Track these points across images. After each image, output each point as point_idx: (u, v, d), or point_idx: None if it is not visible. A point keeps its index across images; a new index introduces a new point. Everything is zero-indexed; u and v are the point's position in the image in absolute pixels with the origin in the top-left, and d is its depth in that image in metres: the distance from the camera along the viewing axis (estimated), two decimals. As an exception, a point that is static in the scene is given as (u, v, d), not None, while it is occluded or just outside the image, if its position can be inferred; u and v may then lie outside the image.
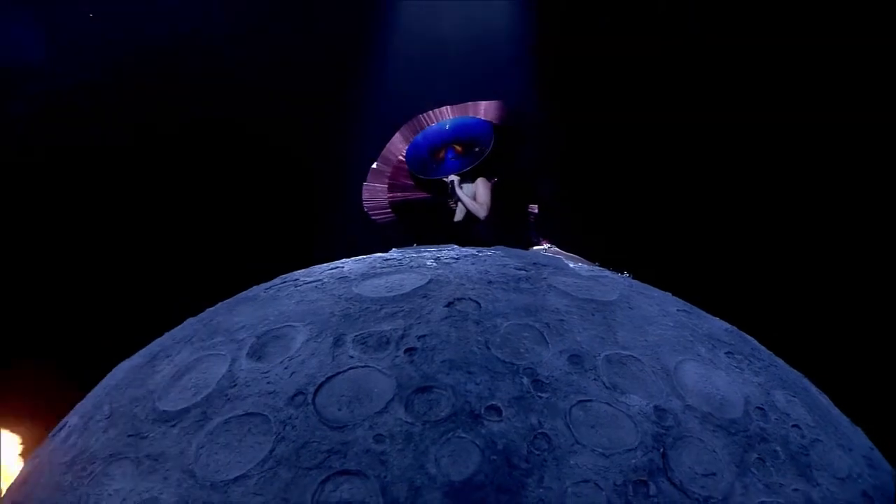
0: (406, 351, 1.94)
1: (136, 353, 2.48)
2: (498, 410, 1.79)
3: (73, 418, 2.33)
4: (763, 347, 2.59)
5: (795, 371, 2.59)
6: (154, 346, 2.44)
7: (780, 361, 2.57)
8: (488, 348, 1.95)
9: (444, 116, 3.63)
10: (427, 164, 3.68)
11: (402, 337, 1.98)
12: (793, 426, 2.10)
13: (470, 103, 3.62)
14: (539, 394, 1.84)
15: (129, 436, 1.97)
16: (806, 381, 2.57)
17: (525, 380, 1.87)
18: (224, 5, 6.82)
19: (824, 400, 2.52)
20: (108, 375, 2.48)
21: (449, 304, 2.10)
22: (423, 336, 1.98)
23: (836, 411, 2.50)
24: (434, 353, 1.93)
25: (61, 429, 2.33)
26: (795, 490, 1.90)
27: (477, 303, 2.12)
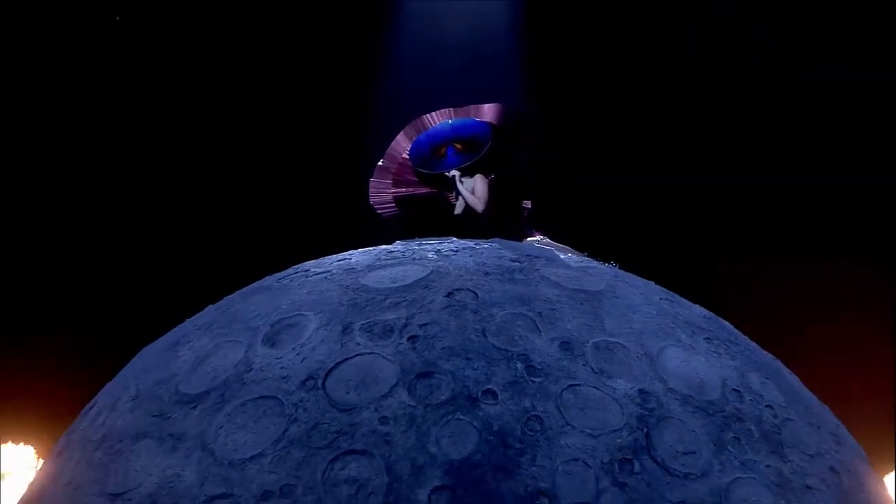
0: (409, 338, 1.92)
1: (160, 339, 2.46)
2: (494, 394, 1.78)
3: (102, 398, 2.32)
4: (739, 332, 2.57)
5: (769, 354, 2.57)
6: (176, 332, 2.42)
7: (755, 345, 2.55)
8: (485, 336, 1.94)
9: (446, 118, 3.62)
10: (429, 160, 3.66)
11: (406, 325, 1.97)
12: (766, 406, 2.09)
13: (472, 106, 3.61)
14: (532, 378, 1.83)
15: (154, 416, 1.96)
16: (778, 364, 2.55)
17: (519, 365, 1.86)
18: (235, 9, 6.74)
19: (795, 381, 2.50)
20: (134, 359, 2.46)
21: (448, 295, 2.08)
22: (425, 324, 1.96)
23: (805, 391, 2.48)
24: (435, 340, 1.91)
25: (92, 407, 2.32)
26: (768, 466, 1.90)
27: (474, 293, 2.10)
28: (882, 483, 2.38)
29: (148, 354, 2.37)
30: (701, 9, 6.48)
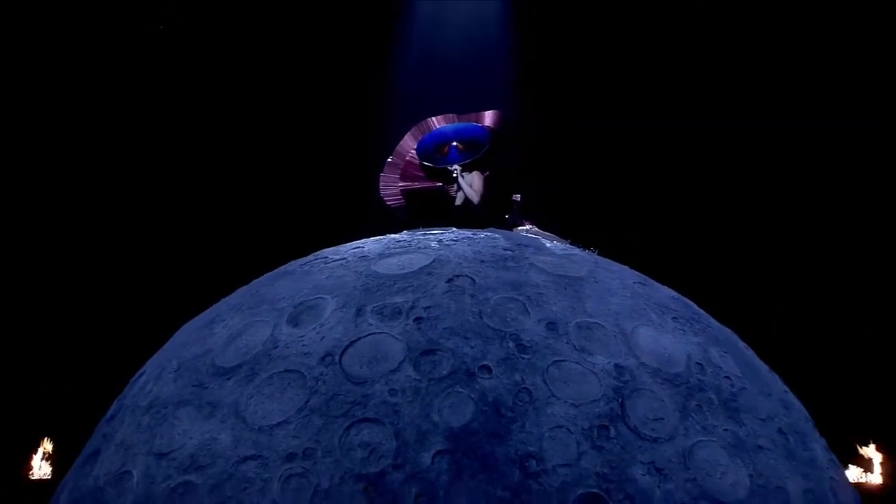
0: (415, 320, 1.90)
1: (197, 317, 2.44)
2: (489, 369, 1.77)
3: (149, 368, 2.31)
4: (702, 311, 2.54)
5: (727, 329, 2.54)
6: (211, 311, 2.40)
7: (715, 322, 2.52)
8: (481, 317, 1.91)
9: (449, 121, 3.58)
10: (432, 156, 3.62)
11: (412, 308, 1.94)
12: (724, 377, 2.07)
13: (473, 113, 3.57)
14: (522, 355, 1.81)
15: (194, 386, 1.95)
16: (735, 338, 2.52)
17: (511, 344, 1.84)
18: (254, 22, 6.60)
19: (749, 353, 2.48)
20: (176, 334, 2.44)
21: (449, 281, 2.05)
22: (429, 307, 1.94)
23: (758, 362, 2.46)
24: (437, 321, 1.89)
25: (140, 376, 2.31)
26: (726, 430, 1.89)
27: (472, 279, 2.07)
28: (824, 441, 2.37)
29: (187, 331, 2.35)
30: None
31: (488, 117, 3.56)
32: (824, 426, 2.37)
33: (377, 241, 2.53)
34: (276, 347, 1.92)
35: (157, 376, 2.15)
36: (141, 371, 2.36)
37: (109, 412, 2.28)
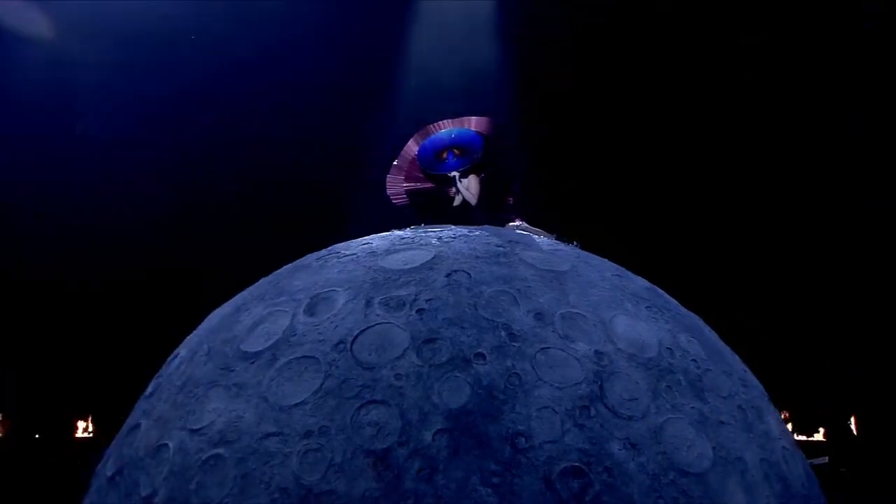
0: (417, 311, 1.87)
1: (225, 304, 2.41)
2: (483, 356, 1.74)
3: (182, 350, 2.28)
4: (672, 299, 2.51)
5: (694, 315, 2.51)
6: (238, 299, 2.37)
7: (684, 309, 2.49)
8: (476, 309, 1.88)
9: (446, 127, 3.53)
10: (432, 162, 3.57)
11: (414, 300, 1.91)
12: (692, 360, 2.04)
13: (465, 118, 3.51)
14: (513, 343, 1.79)
15: (222, 369, 1.93)
16: (700, 322, 2.49)
17: (503, 333, 1.81)
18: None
19: (713, 336, 2.46)
20: (206, 319, 2.41)
21: (448, 275, 2.02)
22: (430, 300, 1.91)
23: (721, 345, 2.43)
24: (437, 312, 1.86)
25: (175, 357, 2.29)
26: (692, 408, 1.87)
27: (468, 274, 2.04)
28: (777, 414, 2.36)
29: (216, 317, 2.32)
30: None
31: (480, 123, 3.51)
32: (777, 397, 2.35)
33: (384, 237, 2.49)
34: (295, 335, 1.89)
35: (189, 358, 2.12)
36: (175, 352, 2.33)
37: (148, 389, 2.26)
